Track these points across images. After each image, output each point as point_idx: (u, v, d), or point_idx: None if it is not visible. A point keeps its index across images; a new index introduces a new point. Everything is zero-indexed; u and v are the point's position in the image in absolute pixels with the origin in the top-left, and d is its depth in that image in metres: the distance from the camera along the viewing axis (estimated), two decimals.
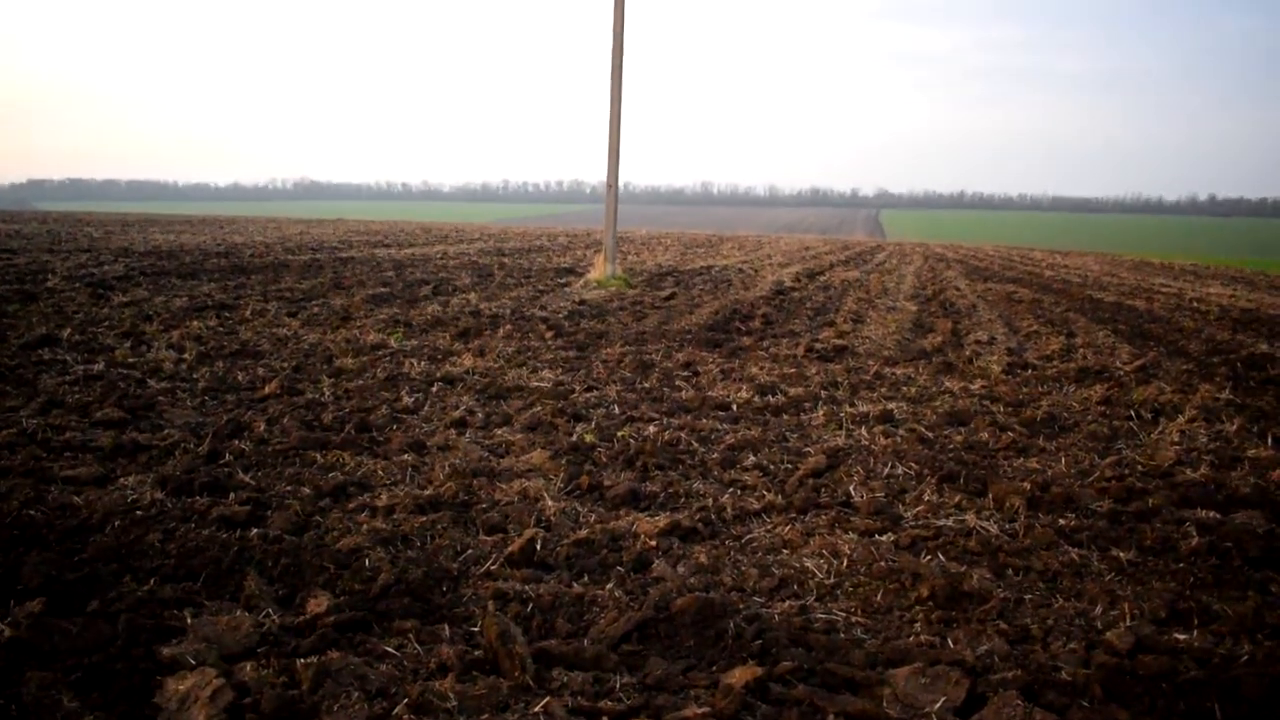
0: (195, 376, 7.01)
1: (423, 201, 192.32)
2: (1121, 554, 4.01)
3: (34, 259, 17.05)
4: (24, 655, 2.80)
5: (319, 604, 3.21)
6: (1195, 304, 17.50)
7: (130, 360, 7.53)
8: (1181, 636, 3.26)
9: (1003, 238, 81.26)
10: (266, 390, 6.56)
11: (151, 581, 3.40)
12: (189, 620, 3.07)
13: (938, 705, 2.76)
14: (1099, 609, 3.47)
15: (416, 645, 2.96)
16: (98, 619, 3.01)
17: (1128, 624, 3.32)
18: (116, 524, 3.87)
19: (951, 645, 3.14)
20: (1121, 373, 8.68)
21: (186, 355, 7.79)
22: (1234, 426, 6.56)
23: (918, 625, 3.31)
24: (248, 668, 2.74)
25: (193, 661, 2.76)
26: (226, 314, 10.40)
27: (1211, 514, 4.65)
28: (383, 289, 13.80)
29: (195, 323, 9.58)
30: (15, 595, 3.21)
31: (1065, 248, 59.97)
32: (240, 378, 7.02)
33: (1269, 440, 6.23)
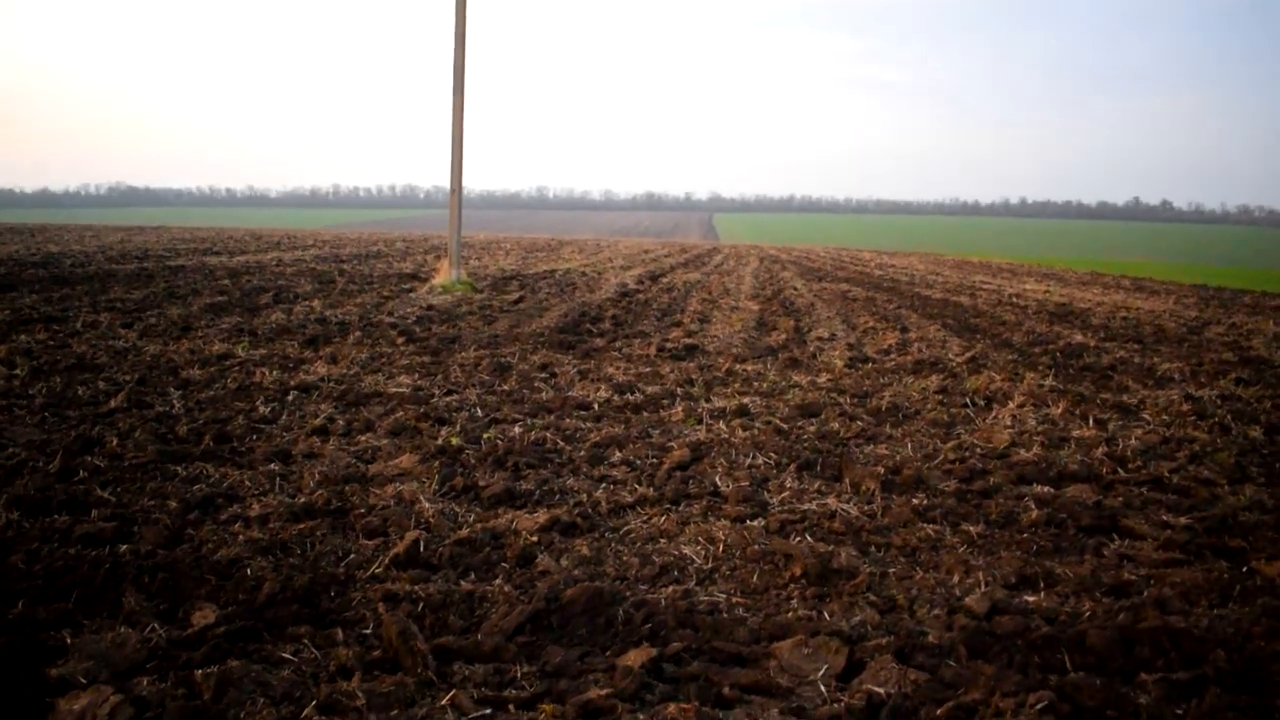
0: (31, 393, 6.68)
1: (249, 208, 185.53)
2: (971, 528, 4.32)
3: None
4: None
5: (205, 616, 3.17)
6: (1014, 299, 18.61)
7: None
8: (1031, 599, 3.56)
9: (832, 239, 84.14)
10: (112, 404, 6.31)
11: (20, 604, 3.28)
12: (69, 640, 2.98)
13: (821, 672, 2.94)
14: (956, 578, 3.75)
15: (314, 649, 2.97)
16: None
17: (982, 590, 3.60)
18: None
19: (827, 618, 3.34)
20: (954, 364, 9.21)
21: (18, 371, 7.40)
22: (1059, 410, 7.08)
23: (794, 602, 3.50)
24: (143, 682, 2.70)
25: (84, 680, 2.70)
26: (55, 327, 9.89)
27: (1046, 489, 5.05)
28: (220, 298, 13.35)
29: (23, 336, 9.09)
30: None
31: (891, 248, 62.56)
32: (81, 392, 6.73)
33: (1090, 421, 6.75)
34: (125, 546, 3.76)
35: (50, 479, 4.65)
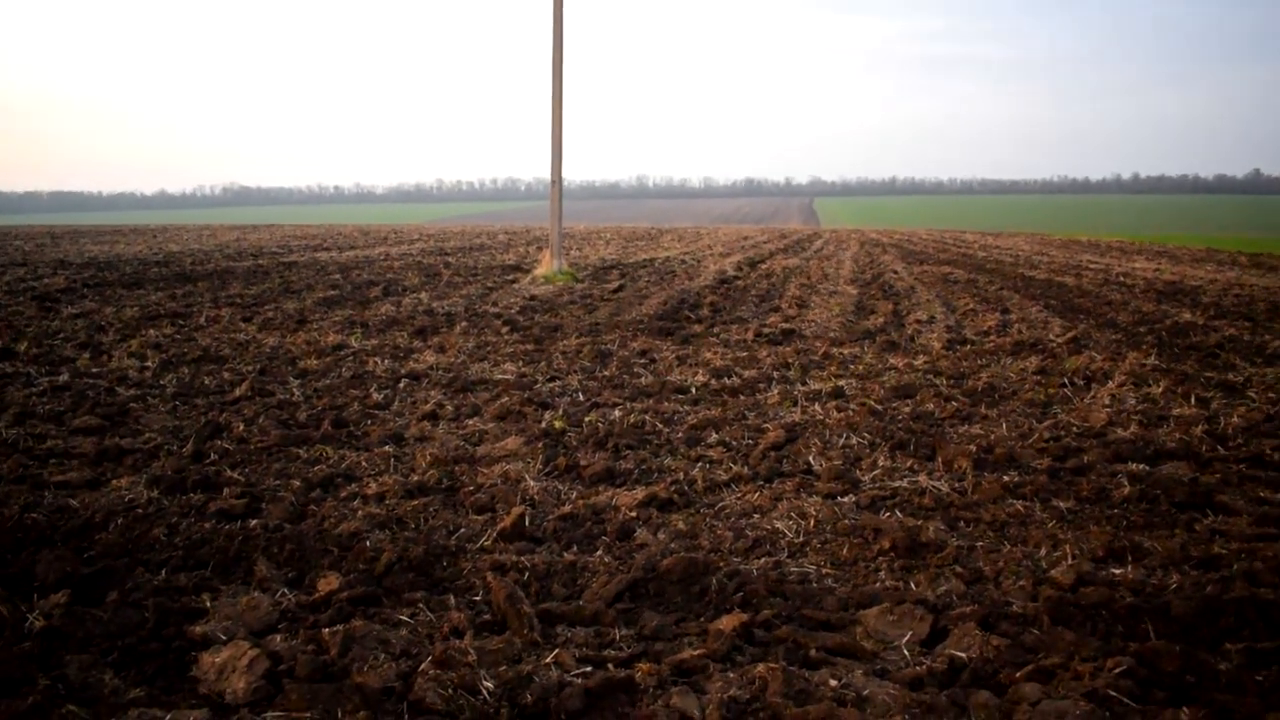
0: (162, 383, 7.14)
1: (356, 204, 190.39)
2: (1061, 504, 4.37)
3: None
4: (60, 641, 2.99)
5: (330, 583, 3.44)
6: (1122, 278, 18.17)
7: (93, 370, 7.62)
8: (1118, 571, 3.62)
9: (935, 221, 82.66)
10: (237, 393, 6.71)
11: (163, 573, 3.60)
12: (209, 603, 3.28)
13: (906, 638, 3.07)
14: (1043, 551, 3.82)
15: (429, 613, 3.21)
16: (125, 606, 3.21)
17: (1069, 563, 3.67)
18: (119, 522, 4.06)
19: (914, 588, 3.46)
20: (1055, 344, 9.12)
21: (149, 363, 7.90)
22: (1160, 389, 7.00)
23: (882, 573, 3.63)
24: (277, 639, 2.97)
25: (223, 637, 2.99)
26: (181, 322, 10.47)
27: (1141, 466, 5.05)
28: (333, 292, 13.89)
29: (151, 331, 9.66)
30: (36, 590, 3.40)
31: (996, 229, 61.24)
32: (208, 382, 7.16)
33: (1192, 400, 6.67)
34: (255, 521, 4.07)
35: (184, 461, 5.02)
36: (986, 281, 16.99)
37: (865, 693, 2.71)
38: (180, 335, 9.46)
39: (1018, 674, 2.80)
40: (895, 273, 19.24)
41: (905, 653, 2.99)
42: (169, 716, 2.51)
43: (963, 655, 2.93)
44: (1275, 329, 10.58)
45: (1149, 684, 2.77)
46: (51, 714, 2.58)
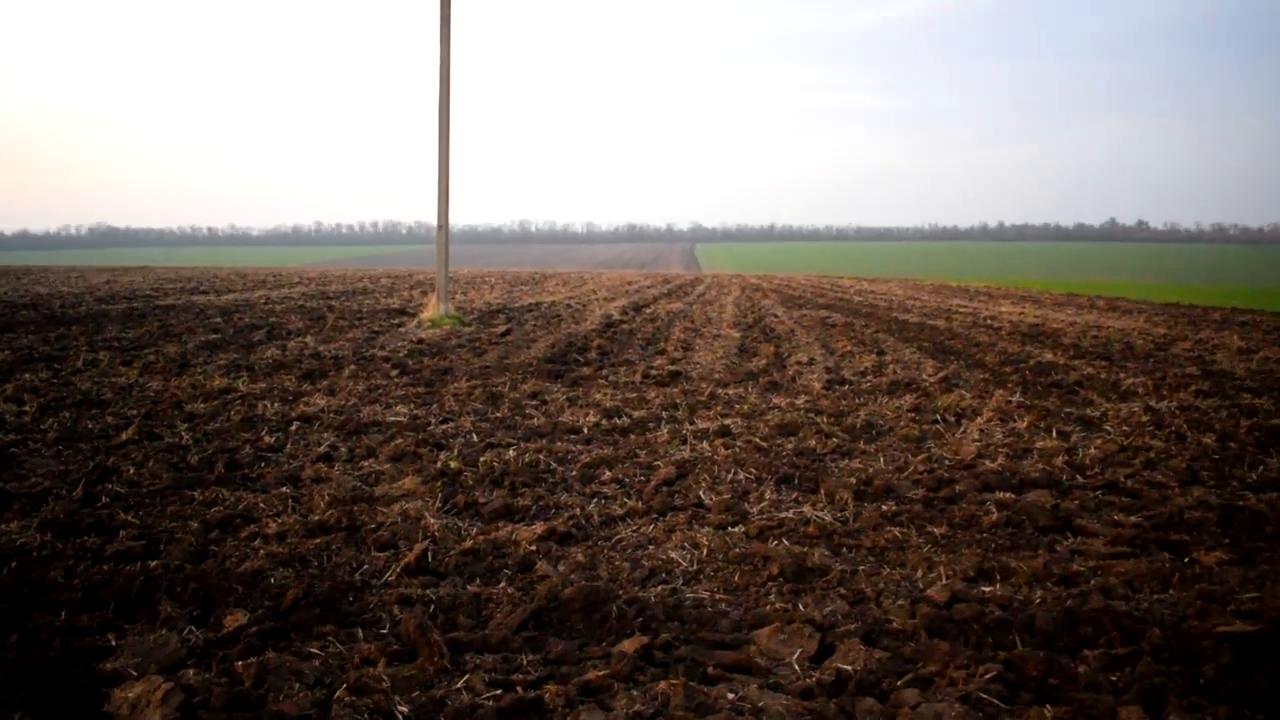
0: (43, 427, 6.98)
1: (231, 246, 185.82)
2: (935, 530, 4.68)
3: None
4: None
5: (237, 619, 3.48)
6: (989, 321, 19.06)
7: None
8: (987, 589, 3.91)
9: (813, 267, 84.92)
10: (124, 437, 6.61)
11: (64, 614, 3.58)
12: (115, 642, 3.30)
13: (796, 655, 3.28)
14: (920, 573, 4.10)
15: (339, 645, 3.29)
16: (29, 647, 3.21)
17: (943, 582, 3.94)
18: (13, 565, 4.02)
19: (802, 609, 3.68)
20: (928, 384, 9.59)
21: (28, 407, 7.70)
22: (1024, 424, 7.45)
23: (772, 597, 3.84)
24: (189, 673, 3.02)
25: (134, 673, 3.02)
26: (56, 365, 10.18)
27: (1008, 495, 5.41)
28: (214, 335, 13.66)
29: (27, 375, 9.38)
30: None
31: (871, 275, 63.25)
32: (92, 426, 7.03)
33: (1053, 433, 7.13)
34: (155, 562, 4.07)
35: (75, 504, 4.96)
36: (863, 325, 17.63)
37: (761, 704, 2.90)
38: (58, 379, 9.22)
39: (899, 682, 3.03)
40: (776, 316, 19.79)
41: (796, 667, 3.20)
42: None
43: (849, 668, 3.15)
44: (1129, 368, 11.29)
45: (1016, 687, 3.03)
46: None
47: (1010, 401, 8.42)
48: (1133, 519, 4.96)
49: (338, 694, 2.86)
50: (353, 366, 10.46)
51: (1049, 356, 12.40)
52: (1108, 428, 7.45)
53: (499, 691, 2.94)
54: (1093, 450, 6.56)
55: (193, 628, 3.44)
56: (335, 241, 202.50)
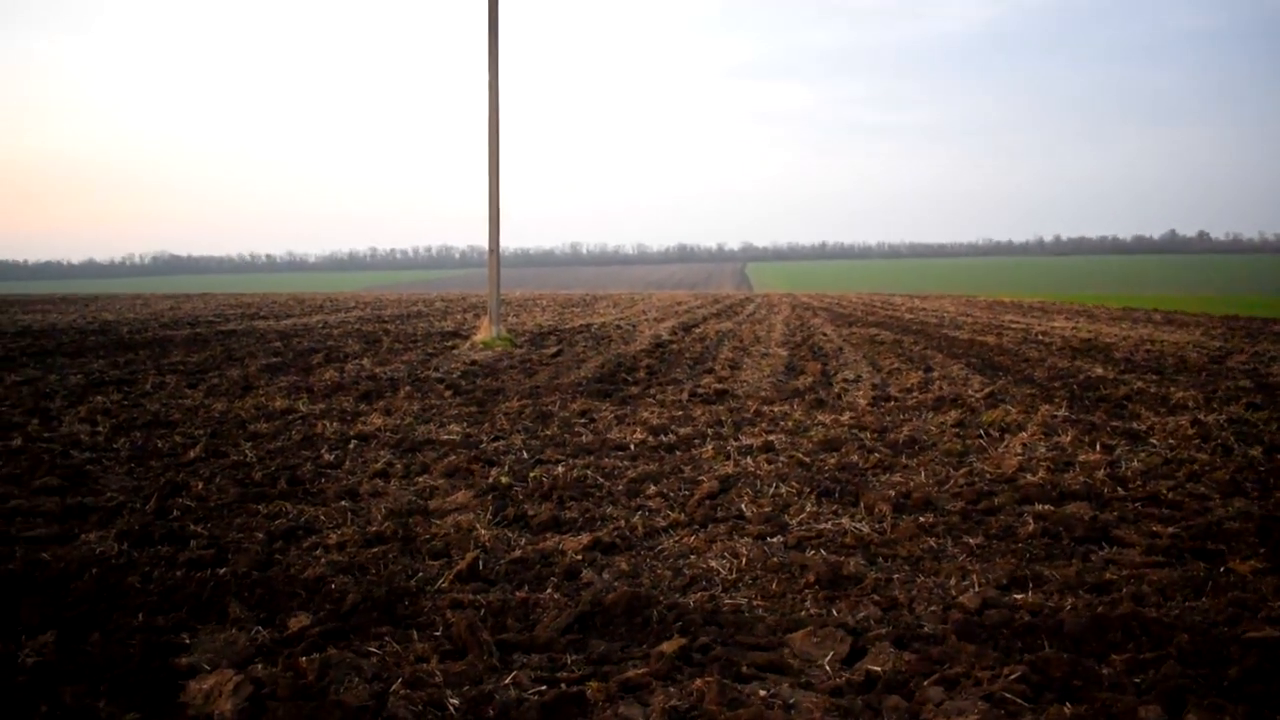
0: (115, 446, 7.32)
1: (289, 273, 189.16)
2: (971, 540, 4.79)
3: None
4: (53, 675, 3.23)
5: (300, 621, 3.71)
6: (1040, 337, 18.98)
7: (45, 434, 7.77)
8: (1019, 597, 4.02)
9: (864, 285, 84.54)
10: (192, 455, 6.92)
11: (141, 615, 3.83)
12: (188, 640, 3.54)
13: (828, 657, 3.42)
14: (953, 581, 4.22)
15: (395, 644, 3.50)
16: (110, 644, 3.46)
17: (976, 590, 4.06)
18: (94, 571, 4.28)
19: (835, 615, 3.83)
20: (973, 399, 9.65)
21: (101, 428, 8.06)
22: (1068, 438, 7.51)
23: (807, 603, 3.99)
24: (258, 667, 3.24)
25: (207, 667, 3.25)
26: (127, 388, 10.60)
27: (1046, 507, 5.49)
28: (275, 359, 14.07)
29: (99, 398, 9.79)
30: (23, 632, 3.62)
31: (923, 292, 62.89)
32: (161, 445, 7.35)
33: (1097, 447, 7.18)
34: (224, 569, 4.32)
35: (148, 517, 5.24)
36: (911, 342, 17.65)
37: (792, 700, 3.05)
38: (128, 401, 9.61)
39: (925, 682, 3.17)
40: (825, 335, 19.87)
41: (827, 668, 3.35)
42: None
43: (878, 669, 3.29)
44: (1180, 381, 11.25)
45: (1040, 687, 3.15)
46: None
47: (1056, 416, 8.47)
48: (1170, 530, 5.03)
49: (394, 687, 3.06)
50: (408, 387, 10.75)
51: (1099, 371, 12.38)
52: (1153, 441, 7.48)
53: (544, 687, 3.12)
54: (1136, 463, 6.62)
55: (260, 628, 3.67)
56: (390, 266, 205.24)
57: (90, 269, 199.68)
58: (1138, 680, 3.23)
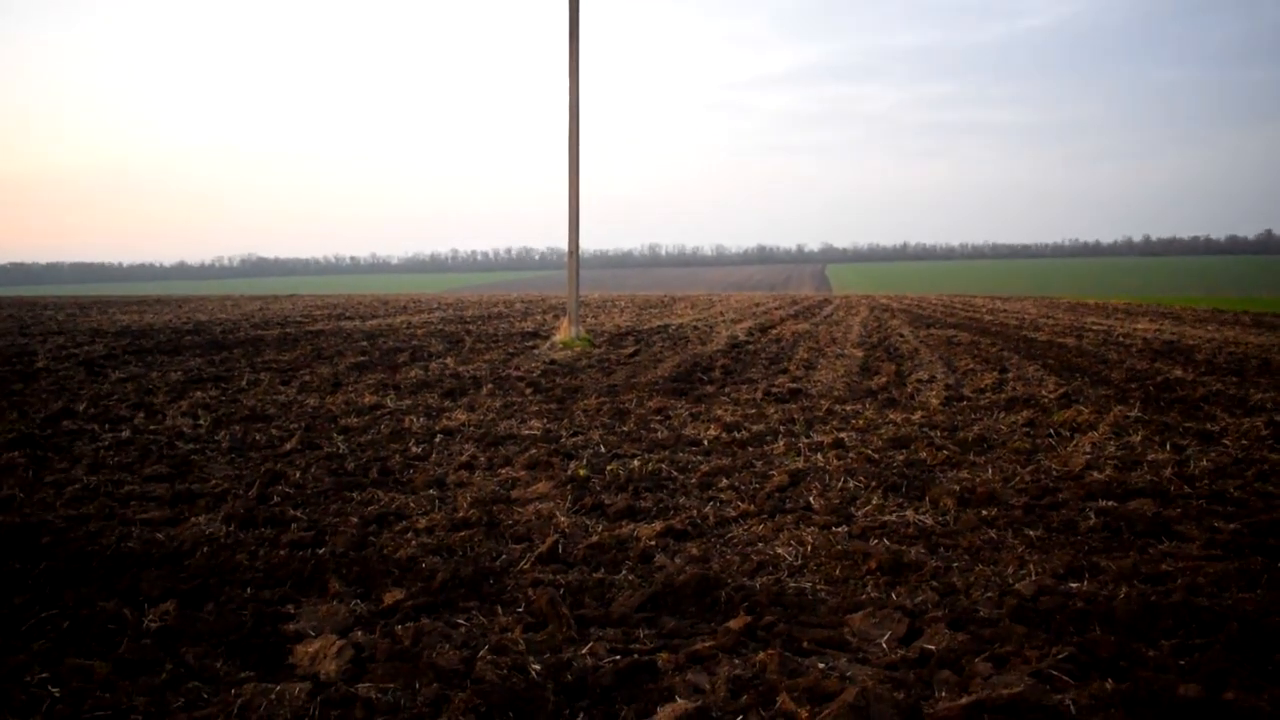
0: (217, 438, 7.77)
1: (372, 274, 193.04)
2: (1032, 533, 4.94)
3: (11, 342, 17.62)
4: (174, 638, 3.58)
5: (395, 595, 4.02)
6: (1122, 339, 18.75)
7: (151, 427, 8.26)
8: (1075, 585, 4.17)
9: (945, 286, 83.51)
10: (288, 447, 7.34)
11: (249, 589, 4.19)
12: (293, 611, 3.87)
13: (886, 636, 3.63)
14: (1011, 570, 4.39)
15: (481, 617, 3.79)
16: (224, 613, 3.81)
17: (1032, 578, 4.22)
18: (204, 550, 4.66)
19: (894, 598, 4.03)
20: (1047, 400, 9.69)
21: (202, 421, 8.54)
22: (1139, 438, 7.55)
23: (868, 588, 4.19)
24: (358, 634, 3.56)
25: (312, 633, 3.57)
26: (224, 385, 11.14)
27: (1110, 503, 5.60)
28: (362, 358, 14.59)
29: (198, 393, 10.32)
30: (145, 602, 3.99)
31: (1005, 293, 61.96)
32: (259, 438, 7.79)
33: (1167, 446, 7.23)
34: (323, 549, 4.67)
35: (251, 502, 5.63)
36: (989, 343, 17.59)
37: (848, 673, 3.27)
38: (225, 397, 10.12)
39: (976, 660, 3.36)
40: (901, 336, 19.86)
41: (884, 646, 3.55)
42: (278, 688, 3.08)
43: (932, 647, 3.48)
44: (1261, 384, 11.13)
45: (1087, 666, 3.32)
46: (180, 688, 3.16)
47: (1128, 417, 8.49)
48: (1232, 526, 5.11)
49: (481, 653, 3.34)
50: (490, 385, 11.12)
51: (1178, 373, 12.27)
52: (1225, 442, 7.49)
53: (618, 657, 3.38)
54: (1205, 462, 6.66)
55: (358, 601, 4.00)
56: (471, 268, 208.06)
57: (181, 271, 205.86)
58: (1182, 663, 3.37)
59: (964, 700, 2.94)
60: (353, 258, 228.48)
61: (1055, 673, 3.23)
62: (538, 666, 3.26)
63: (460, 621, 3.75)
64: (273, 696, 3.03)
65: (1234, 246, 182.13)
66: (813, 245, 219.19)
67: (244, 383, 11.34)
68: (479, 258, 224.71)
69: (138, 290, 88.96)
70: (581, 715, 3.01)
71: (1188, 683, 3.13)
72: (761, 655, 3.35)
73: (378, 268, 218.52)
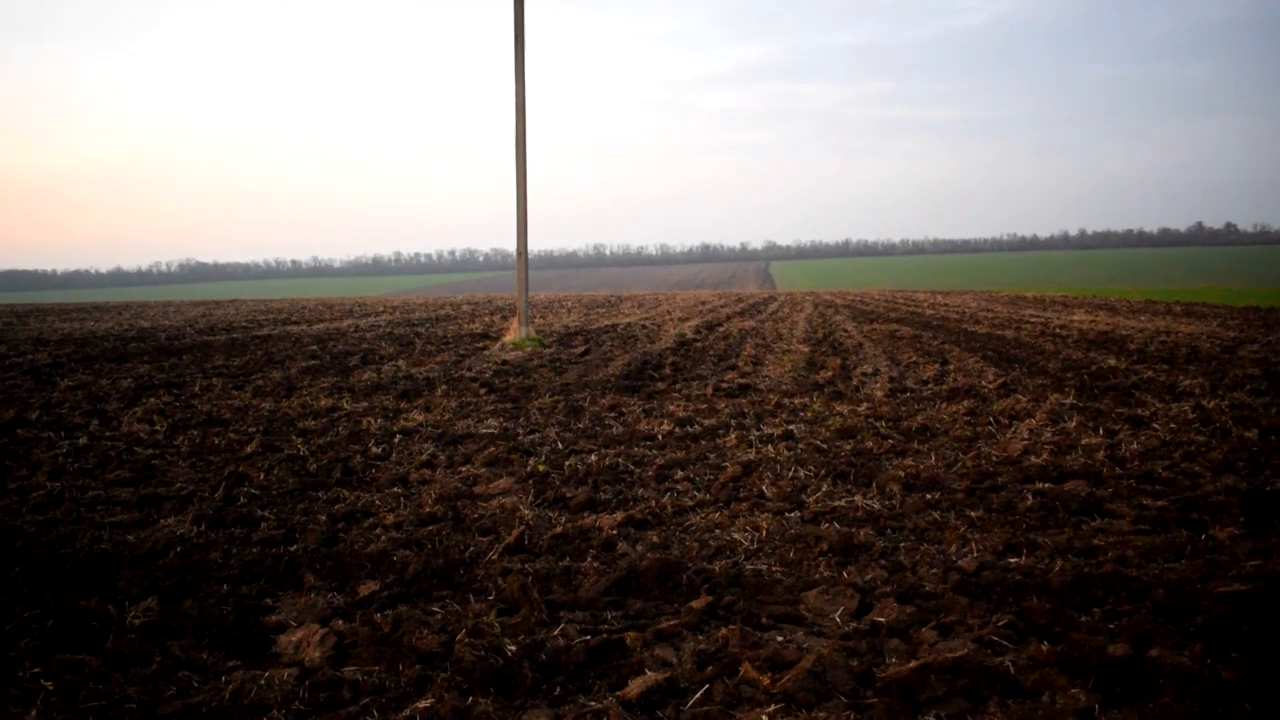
0: (176, 443, 7.83)
1: (314, 278, 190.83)
2: (973, 514, 5.21)
3: None
4: (160, 632, 3.71)
5: (369, 587, 4.18)
6: (1058, 330, 19.29)
7: (108, 434, 8.29)
8: (1013, 560, 4.44)
9: (888, 282, 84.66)
10: (248, 450, 7.42)
11: (226, 585, 4.32)
12: (271, 604, 4.02)
13: (839, 611, 3.86)
14: (953, 548, 4.65)
15: (455, 605, 3.96)
16: (205, 607, 3.94)
17: (974, 555, 4.49)
18: (178, 549, 4.78)
19: (846, 577, 4.27)
20: (986, 390, 10.05)
21: (159, 427, 8.58)
22: (1073, 424, 7.90)
23: (821, 567, 4.43)
24: (339, 623, 3.71)
25: (294, 623, 3.72)
26: (176, 390, 11.14)
27: (1046, 485, 5.90)
28: (314, 361, 14.61)
29: (151, 399, 10.33)
30: (125, 599, 4.11)
31: (946, 288, 63.00)
32: (218, 442, 7.86)
33: (1100, 431, 7.57)
34: (295, 546, 4.81)
35: (218, 504, 5.74)
36: (930, 337, 18.02)
37: (805, 645, 3.49)
38: (180, 403, 10.14)
39: (923, 629, 3.60)
40: (846, 331, 20.25)
41: (837, 619, 3.79)
42: (267, 673, 3.24)
43: (882, 620, 3.72)
44: (1190, 371, 11.59)
45: (1025, 632, 3.57)
46: (171, 677, 3.30)
47: (1064, 404, 8.85)
48: (1160, 503, 5.43)
49: (459, 636, 3.52)
50: (444, 386, 11.25)
51: (1111, 362, 12.72)
52: (1155, 426, 7.85)
53: (588, 637, 3.58)
54: (1135, 445, 7.00)
55: (334, 593, 4.15)
56: (414, 270, 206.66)
57: (119, 277, 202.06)
58: (1112, 627, 3.64)
59: (912, 664, 3.17)
60: (294, 261, 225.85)
61: (995, 638, 3.48)
62: (513, 647, 3.45)
63: (435, 609, 3.92)
64: (262, 682, 3.19)
65: (1166, 239, 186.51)
66: (757, 243, 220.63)
67: (197, 388, 11.35)
68: (423, 260, 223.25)
69: (75, 298, 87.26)
70: (558, 689, 3.20)
71: (1116, 644, 3.39)
72: (724, 631, 3.56)
73: (320, 271, 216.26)
